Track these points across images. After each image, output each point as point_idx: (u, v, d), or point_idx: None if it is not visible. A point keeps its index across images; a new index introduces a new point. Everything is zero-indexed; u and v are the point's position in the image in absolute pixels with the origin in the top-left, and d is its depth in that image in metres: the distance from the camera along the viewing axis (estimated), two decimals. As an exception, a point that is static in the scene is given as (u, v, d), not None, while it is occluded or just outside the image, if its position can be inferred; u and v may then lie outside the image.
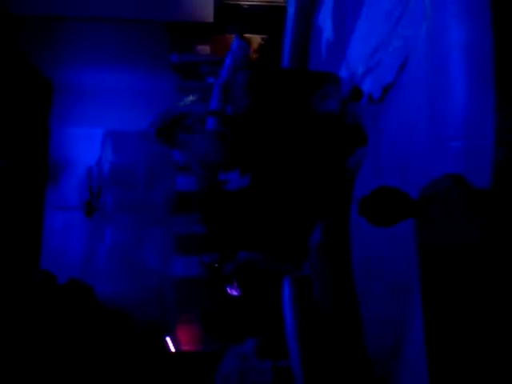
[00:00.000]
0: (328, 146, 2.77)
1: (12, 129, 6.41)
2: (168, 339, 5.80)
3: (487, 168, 1.46)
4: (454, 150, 1.60)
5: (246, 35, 6.70)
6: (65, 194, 6.80)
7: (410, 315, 1.76)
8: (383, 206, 1.27)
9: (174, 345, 5.83)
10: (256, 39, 6.79)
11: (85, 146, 6.91)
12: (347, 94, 2.90)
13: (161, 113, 2.92)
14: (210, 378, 3.76)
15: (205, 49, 7.17)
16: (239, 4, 6.97)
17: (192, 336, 5.89)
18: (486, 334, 1.10)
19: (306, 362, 2.82)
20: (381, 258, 2.30)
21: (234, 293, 3.87)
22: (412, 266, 1.60)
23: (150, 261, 6.37)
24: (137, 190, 6.50)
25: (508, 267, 1.12)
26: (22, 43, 6.74)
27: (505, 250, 1.12)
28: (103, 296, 6.02)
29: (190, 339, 5.92)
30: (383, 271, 2.29)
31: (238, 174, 2.70)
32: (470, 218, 1.12)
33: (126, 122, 6.83)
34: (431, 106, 1.82)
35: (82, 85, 7.14)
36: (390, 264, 2.19)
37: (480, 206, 1.14)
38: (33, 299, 4.85)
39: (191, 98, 2.97)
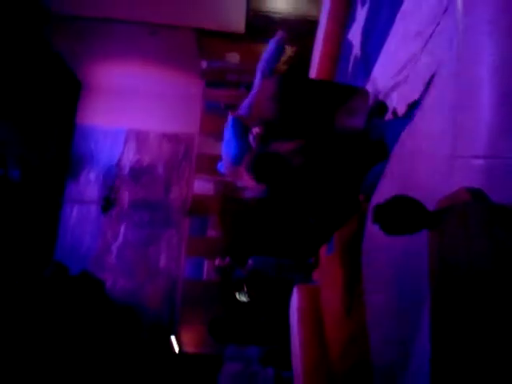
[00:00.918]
0: (351, 159, 2.76)
1: (40, 123, 6.52)
2: (173, 339, 5.80)
3: (507, 189, 1.45)
4: (475, 169, 1.59)
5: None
6: (83, 187, 6.88)
7: (418, 329, 1.74)
8: (397, 214, 1.26)
9: (177, 345, 5.83)
10: (286, 50, 6.83)
11: (107, 142, 7.00)
12: (373, 108, 2.90)
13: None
14: (213, 380, 3.75)
15: (234, 57, 7.22)
16: (270, 15, 7.02)
17: (196, 338, 5.89)
18: (494, 352, 1.09)
19: (308, 373, 2.79)
20: (391, 269, 2.28)
21: (243, 298, 3.86)
22: (422, 279, 1.59)
23: (161, 260, 6.41)
24: (153, 190, 6.56)
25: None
26: (55, 41, 6.88)
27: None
28: (113, 290, 6.07)
29: (194, 341, 5.92)
30: (394, 283, 2.27)
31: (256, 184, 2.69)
32: (486, 234, 1.11)
33: (150, 123, 6.92)
34: (456, 125, 1.81)
35: (110, 84, 7.26)
36: (401, 276, 2.17)
37: (497, 222, 1.12)
38: (44, 289, 4.91)
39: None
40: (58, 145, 6.89)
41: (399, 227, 1.27)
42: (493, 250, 1.10)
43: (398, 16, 2.89)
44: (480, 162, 1.59)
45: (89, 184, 6.83)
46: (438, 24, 2.34)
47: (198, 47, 7.14)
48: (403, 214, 1.26)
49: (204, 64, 7.11)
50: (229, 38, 7.14)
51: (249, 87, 6.64)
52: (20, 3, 6.17)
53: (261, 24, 7.03)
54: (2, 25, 5.76)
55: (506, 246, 1.10)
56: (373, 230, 2.52)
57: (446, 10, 2.27)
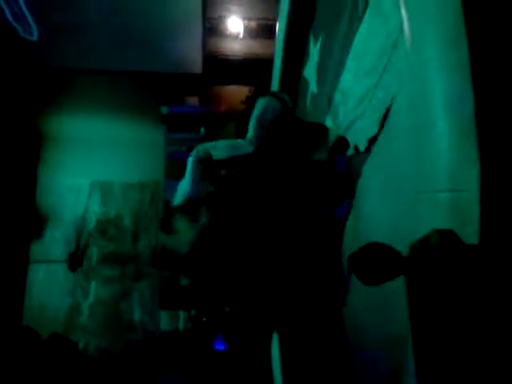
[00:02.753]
0: (316, 196, 2.75)
1: (0, 179, 6.36)
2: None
3: (475, 222, 1.45)
4: (441, 203, 1.59)
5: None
6: (49, 246, 6.67)
7: (404, 370, 1.70)
8: (372, 264, 1.24)
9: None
10: (243, 91, 6.92)
11: (71, 196, 6.85)
12: (334, 144, 2.92)
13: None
14: None
15: (193, 100, 7.27)
16: (227, 57, 7.13)
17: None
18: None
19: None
20: (374, 306, 2.25)
21: (220, 347, 3.76)
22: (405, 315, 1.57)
23: (136, 315, 6.23)
24: (122, 243, 6.43)
25: (500, 324, 1.10)
26: (15, 92, 6.80)
27: (495, 307, 1.10)
28: (87, 351, 5.84)
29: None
30: (376, 323, 2.23)
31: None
32: (459, 276, 1.10)
33: (114, 173, 6.84)
34: (416, 158, 1.82)
35: (71, 135, 7.17)
36: (384, 316, 2.14)
37: (469, 262, 1.11)
38: (15, 356, 4.69)
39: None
40: (20, 201, 6.71)
41: (375, 277, 1.24)
42: (466, 293, 1.09)
43: (351, 50, 2.95)
44: (444, 195, 1.59)
45: (54, 242, 6.63)
46: (389, 59, 2.39)
47: (157, 93, 7.17)
48: (378, 262, 1.23)
49: (164, 109, 7.13)
50: (187, 82, 7.20)
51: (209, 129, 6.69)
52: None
53: (217, 65, 7.14)
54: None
55: (477, 287, 1.10)
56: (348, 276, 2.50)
57: (394, 44, 2.32)
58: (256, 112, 2.97)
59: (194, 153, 2.86)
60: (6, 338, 5.02)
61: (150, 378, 5.94)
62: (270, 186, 2.76)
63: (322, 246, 2.77)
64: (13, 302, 6.25)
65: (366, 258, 1.24)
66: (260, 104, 3.00)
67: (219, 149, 2.89)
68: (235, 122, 3.13)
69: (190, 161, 2.85)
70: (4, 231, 6.20)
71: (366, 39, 2.74)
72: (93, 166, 6.92)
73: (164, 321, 6.14)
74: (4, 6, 6.01)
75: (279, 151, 2.88)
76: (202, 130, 7.02)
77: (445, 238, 1.15)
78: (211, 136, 6.46)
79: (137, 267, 6.35)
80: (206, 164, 2.85)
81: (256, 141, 2.88)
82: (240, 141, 2.98)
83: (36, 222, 6.73)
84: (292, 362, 3.13)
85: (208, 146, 2.94)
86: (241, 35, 7.03)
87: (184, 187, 2.84)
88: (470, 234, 1.41)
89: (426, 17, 1.77)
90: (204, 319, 3.51)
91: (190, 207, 2.77)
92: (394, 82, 2.30)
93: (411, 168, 1.82)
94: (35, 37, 6.52)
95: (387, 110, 2.29)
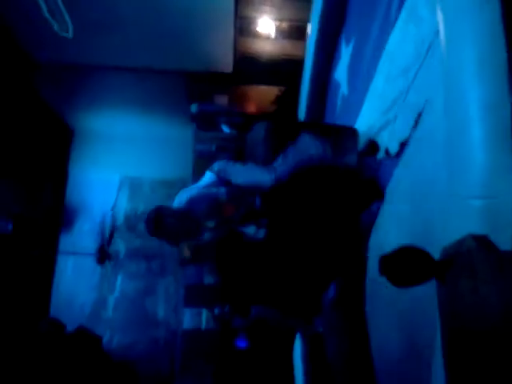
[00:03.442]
0: (344, 200, 2.74)
1: (32, 173, 6.50)
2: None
3: (509, 228, 1.44)
4: (474, 209, 1.57)
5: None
6: (77, 239, 6.80)
7: (431, 376, 1.69)
8: (405, 265, 1.24)
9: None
10: (273, 91, 6.94)
11: (101, 191, 6.97)
12: (364, 148, 2.91)
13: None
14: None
15: (223, 99, 7.31)
16: (258, 57, 7.15)
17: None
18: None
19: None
20: (398, 315, 2.24)
21: (243, 346, 3.78)
22: (431, 324, 1.55)
23: (160, 312, 6.29)
24: (149, 238, 6.49)
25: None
26: (45, 90, 6.94)
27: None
28: (111, 346, 5.92)
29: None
30: (401, 329, 2.22)
31: (254, 227, 2.67)
32: (494, 282, 1.09)
33: (143, 169, 6.93)
34: (450, 163, 1.81)
35: (102, 131, 7.29)
36: (408, 322, 2.13)
37: (505, 269, 1.10)
38: (40, 348, 4.78)
39: None
40: (51, 195, 6.85)
41: (407, 279, 1.24)
42: (501, 299, 1.08)
43: (384, 54, 2.93)
44: (477, 202, 1.57)
45: (83, 235, 6.75)
46: (423, 62, 2.37)
47: (187, 91, 7.22)
48: (410, 264, 1.23)
49: (194, 107, 7.18)
50: (217, 80, 7.24)
51: (240, 128, 6.70)
52: (7, 54, 6.25)
53: (248, 65, 7.17)
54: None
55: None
56: (374, 275, 2.48)
57: (429, 48, 2.31)
58: (295, 148, 2.80)
59: (214, 168, 2.81)
60: (32, 329, 5.13)
61: (171, 375, 5.98)
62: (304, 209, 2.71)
63: (346, 249, 2.76)
64: (41, 292, 6.39)
65: (399, 260, 1.24)
66: (303, 141, 2.84)
67: (239, 173, 2.79)
68: (265, 122, 3.10)
69: (209, 174, 2.81)
70: (36, 223, 6.34)
71: (400, 42, 2.73)
72: (122, 162, 7.02)
73: (187, 318, 6.17)
74: (41, 2, 6.12)
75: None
76: (232, 129, 7.04)
77: (480, 243, 1.15)
78: (240, 135, 6.47)
79: (162, 263, 6.41)
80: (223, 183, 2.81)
81: (281, 175, 2.72)
82: (260, 168, 2.83)
83: (66, 215, 6.87)
84: (314, 362, 3.13)
85: (227, 167, 2.83)
86: (272, 36, 7.04)
87: (192, 192, 2.78)
88: (504, 240, 1.40)
89: (463, 21, 1.75)
90: (228, 318, 3.52)
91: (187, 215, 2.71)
92: (428, 85, 2.28)
93: (444, 173, 1.81)
94: (70, 33, 6.64)
95: (420, 114, 2.27)
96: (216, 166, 2.81)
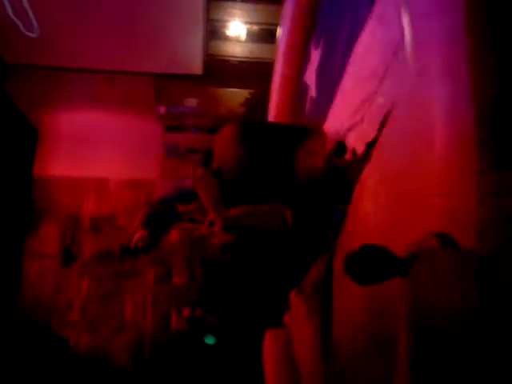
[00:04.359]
0: (312, 202, 2.76)
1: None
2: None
3: (471, 228, 1.46)
4: (435, 208, 1.60)
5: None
6: (43, 241, 6.65)
7: (394, 372, 1.71)
8: (368, 264, 1.25)
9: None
10: (243, 94, 6.95)
11: (67, 193, 6.84)
12: (332, 149, 2.94)
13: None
14: None
15: (192, 101, 7.28)
16: (228, 59, 7.15)
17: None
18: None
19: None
20: (362, 312, 2.26)
21: (210, 341, 3.78)
22: (394, 321, 1.57)
23: (127, 313, 6.21)
24: (116, 240, 6.41)
25: (495, 329, 1.10)
26: (10, 90, 6.78)
27: (489, 312, 1.10)
28: (77, 348, 5.81)
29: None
30: (365, 326, 2.24)
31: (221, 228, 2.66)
32: (455, 279, 1.11)
33: (109, 171, 6.84)
34: (412, 163, 1.84)
35: (68, 132, 7.16)
36: (372, 319, 2.15)
37: (466, 266, 1.12)
38: (8, 349, 4.68)
39: None
40: (16, 198, 6.69)
41: (370, 277, 1.25)
42: (462, 296, 1.10)
43: (352, 57, 2.97)
44: (438, 200, 1.60)
45: (49, 237, 6.61)
46: (389, 65, 2.41)
47: (155, 93, 7.17)
48: (373, 263, 1.24)
49: (162, 109, 7.13)
50: (186, 82, 7.21)
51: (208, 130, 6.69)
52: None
53: (218, 68, 7.16)
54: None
55: (473, 290, 1.10)
56: (340, 274, 2.50)
57: (395, 53, 2.34)
58: None
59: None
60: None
61: (140, 377, 5.91)
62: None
63: (315, 251, 2.78)
64: (8, 295, 6.23)
65: (362, 259, 1.25)
66: None
67: None
68: (233, 123, 3.10)
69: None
70: (0, 225, 6.18)
71: (368, 45, 2.77)
72: (89, 163, 6.92)
73: (156, 320, 6.12)
74: (5, 1, 5.99)
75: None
76: (201, 131, 7.03)
77: (442, 241, 1.17)
78: (209, 137, 6.46)
79: (129, 265, 6.34)
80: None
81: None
82: None
83: (31, 217, 6.72)
84: (283, 358, 3.14)
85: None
86: (243, 39, 7.05)
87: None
88: (465, 239, 1.42)
89: (428, 24, 1.80)
90: (198, 319, 3.50)
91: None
92: (394, 88, 2.32)
93: (408, 172, 1.84)
94: (36, 33, 6.51)
95: (386, 116, 2.30)
96: (196, 179, 2.81)
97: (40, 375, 4.64)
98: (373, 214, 2.30)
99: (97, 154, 6.94)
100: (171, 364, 5.58)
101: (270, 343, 3.35)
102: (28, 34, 6.49)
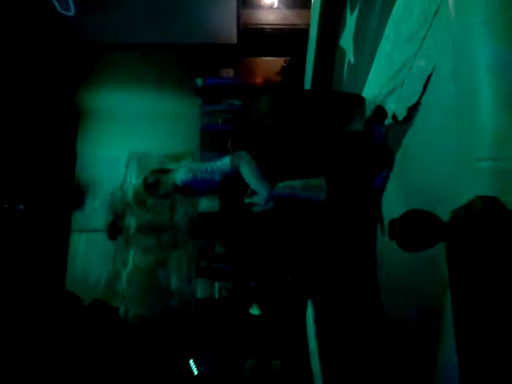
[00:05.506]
0: (354, 167, 2.74)
1: (40, 153, 6.54)
2: (191, 362, 5.75)
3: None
4: (483, 172, 1.57)
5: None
6: (89, 216, 6.87)
7: (442, 337, 1.72)
8: (413, 230, 1.24)
9: (196, 368, 5.78)
10: (279, 62, 6.87)
11: (109, 168, 7.00)
12: (372, 114, 2.89)
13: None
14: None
15: (228, 72, 7.25)
16: (262, 27, 7.05)
17: (214, 359, 5.83)
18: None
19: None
20: (409, 276, 2.26)
21: (255, 312, 3.85)
22: (441, 285, 1.57)
23: (173, 283, 6.39)
24: (159, 213, 6.55)
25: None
26: (52, 70, 6.92)
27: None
28: (126, 318, 6.04)
29: (211, 362, 5.87)
30: (412, 290, 2.24)
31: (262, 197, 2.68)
32: (503, 242, 1.10)
33: (151, 145, 6.94)
34: (458, 127, 1.80)
35: (108, 109, 7.28)
36: (419, 283, 2.15)
37: (513, 229, 1.11)
38: (58, 322, 4.89)
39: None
40: (61, 174, 6.89)
41: (416, 243, 1.25)
42: (510, 259, 1.09)
43: (390, 19, 2.88)
44: (487, 164, 1.57)
45: (94, 211, 6.82)
46: (430, 26, 2.33)
47: (192, 65, 7.17)
48: (419, 228, 1.23)
49: (199, 81, 7.14)
50: (221, 52, 7.18)
51: (246, 100, 6.66)
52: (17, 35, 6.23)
53: (252, 37, 7.08)
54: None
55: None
56: (385, 240, 2.49)
57: (436, 12, 2.26)
58: (308, 185, 2.75)
59: (235, 160, 2.84)
60: (50, 304, 5.24)
61: (186, 344, 6.11)
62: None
63: (360, 216, 2.78)
64: (56, 269, 6.50)
65: (408, 225, 1.24)
66: (318, 185, 2.76)
67: (251, 177, 2.78)
68: (270, 94, 3.08)
69: (227, 162, 2.86)
70: (47, 202, 6.41)
71: (406, 6, 2.68)
72: (130, 139, 7.04)
73: (200, 288, 6.27)
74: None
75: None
76: (238, 101, 7.01)
77: (488, 204, 1.15)
78: (246, 108, 6.44)
79: (173, 236, 6.49)
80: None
81: (278, 196, 2.75)
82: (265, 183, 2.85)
83: (76, 193, 6.93)
84: (326, 326, 3.18)
85: (249, 166, 2.84)
86: (275, 5, 6.93)
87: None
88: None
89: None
90: (239, 288, 3.59)
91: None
92: (436, 49, 2.25)
93: (452, 137, 1.80)
94: (72, 12, 6.58)
95: (428, 79, 2.25)
96: (239, 160, 2.81)
97: (90, 347, 4.85)
98: (416, 179, 2.28)
99: (137, 128, 7.04)
100: (216, 331, 5.73)
101: (313, 310, 3.40)
102: (64, 12, 6.58)
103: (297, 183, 2.66)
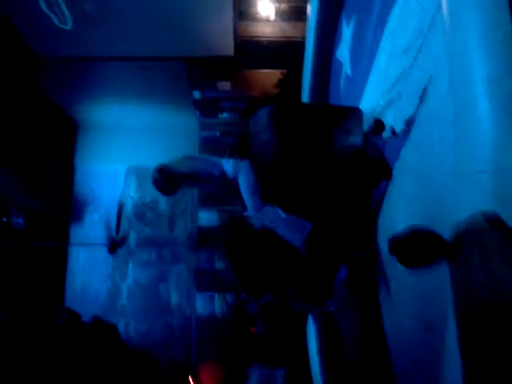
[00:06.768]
0: (352, 180, 2.74)
1: (39, 167, 6.53)
2: (190, 379, 5.70)
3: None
4: (482, 184, 1.56)
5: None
6: (88, 230, 6.86)
7: (444, 354, 1.69)
8: (415, 247, 1.23)
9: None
10: (276, 74, 6.88)
11: (108, 182, 7.00)
12: (369, 127, 2.89)
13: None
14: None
15: (226, 84, 7.26)
16: (259, 40, 7.07)
17: (214, 375, 5.78)
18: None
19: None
20: (410, 293, 2.24)
21: (258, 330, 3.82)
22: (443, 301, 1.55)
23: (173, 298, 6.36)
24: (159, 226, 6.54)
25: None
26: (47, 84, 6.93)
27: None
28: (126, 333, 6.00)
29: (212, 378, 5.81)
30: (413, 306, 2.22)
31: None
32: (506, 260, 1.08)
33: (149, 158, 6.94)
34: (457, 139, 1.79)
35: (105, 122, 7.29)
36: (420, 299, 2.13)
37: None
38: (57, 339, 4.84)
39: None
40: (59, 188, 6.89)
41: (417, 260, 1.23)
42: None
43: (386, 31, 2.89)
44: (486, 176, 1.56)
45: (93, 225, 6.81)
46: (425, 38, 2.34)
47: (189, 78, 7.18)
48: (421, 246, 1.22)
49: (197, 94, 7.15)
50: (218, 65, 7.19)
51: (243, 113, 6.66)
52: (7, 49, 6.23)
53: (249, 49, 7.09)
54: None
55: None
56: (384, 254, 2.48)
57: (431, 24, 2.27)
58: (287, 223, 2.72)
59: (236, 168, 2.85)
60: (48, 320, 5.20)
61: (186, 360, 6.07)
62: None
63: (356, 229, 2.76)
64: (55, 284, 6.47)
65: (409, 242, 1.23)
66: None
67: (245, 192, 2.80)
68: (268, 106, 3.07)
69: (228, 166, 2.88)
70: (45, 216, 6.39)
71: (402, 19, 2.69)
72: (128, 152, 7.04)
73: (200, 304, 6.24)
74: (39, -5, 6.08)
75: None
76: (235, 114, 7.03)
77: (490, 222, 1.13)
78: (244, 120, 6.45)
79: (173, 250, 6.47)
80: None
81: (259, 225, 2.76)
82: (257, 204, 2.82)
83: (75, 207, 6.92)
84: (327, 342, 3.15)
85: (247, 179, 2.86)
86: (272, 18, 6.96)
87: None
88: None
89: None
90: (242, 305, 3.56)
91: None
92: (431, 61, 2.25)
93: (451, 149, 1.79)
94: (69, 26, 6.59)
95: (424, 91, 2.25)
96: (239, 168, 2.82)
97: (90, 363, 4.80)
98: (415, 191, 2.27)
99: (135, 141, 7.05)
100: (217, 345, 5.69)
101: (314, 326, 3.37)
102: (61, 26, 6.59)
103: (282, 215, 2.64)
